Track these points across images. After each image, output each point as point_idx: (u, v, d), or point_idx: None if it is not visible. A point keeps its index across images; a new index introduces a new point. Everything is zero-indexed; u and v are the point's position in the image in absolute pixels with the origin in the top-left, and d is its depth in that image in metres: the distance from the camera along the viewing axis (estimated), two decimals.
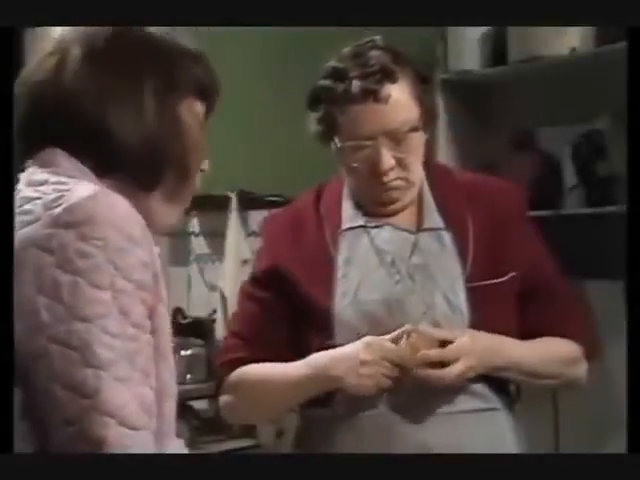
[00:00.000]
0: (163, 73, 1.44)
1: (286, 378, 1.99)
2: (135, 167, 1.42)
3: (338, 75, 1.98)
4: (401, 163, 1.98)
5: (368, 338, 1.92)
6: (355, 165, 1.99)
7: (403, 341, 1.91)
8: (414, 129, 1.98)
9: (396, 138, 1.97)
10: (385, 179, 1.99)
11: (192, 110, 1.48)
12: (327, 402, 1.99)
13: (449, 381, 1.91)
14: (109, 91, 1.40)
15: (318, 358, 1.95)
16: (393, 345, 1.90)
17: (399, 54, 2.00)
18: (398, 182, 2.01)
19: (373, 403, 1.96)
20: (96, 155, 1.41)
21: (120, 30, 1.44)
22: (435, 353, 1.90)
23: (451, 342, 1.91)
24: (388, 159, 1.97)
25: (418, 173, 2.04)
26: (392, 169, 1.98)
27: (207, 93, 1.50)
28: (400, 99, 1.96)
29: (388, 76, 1.95)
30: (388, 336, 1.92)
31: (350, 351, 1.91)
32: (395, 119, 1.96)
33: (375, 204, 2.05)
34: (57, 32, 1.47)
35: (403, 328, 1.91)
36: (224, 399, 2.10)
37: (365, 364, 1.89)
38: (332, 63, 2.01)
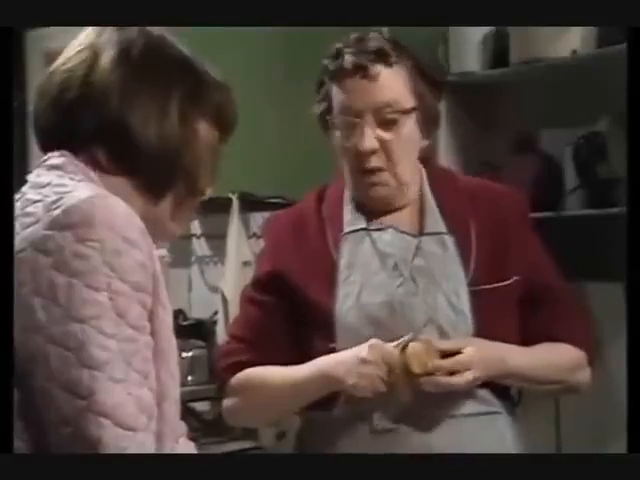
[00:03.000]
0: (190, 90, 1.47)
1: (290, 381, 1.99)
2: (150, 170, 1.44)
3: (336, 53, 2.02)
4: (386, 148, 1.98)
5: (373, 340, 1.91)
6: (346, 145, 2.00)
7: (402, 344, 1.89)
8: (404, 112, 1.98)
9: (383, 119, 1.97)
10: (367, 164, 1.98)
11: (207, 132, 1.51)
12: (329, 405, 1.99)
13: (457, 388, 1.91)
14: (137, 93, 1.43)
15: (321, 360, 1.95)
16: (396, 350, 1.90)
17: (403, 46, 2.01)
18: (384, 176, 2.00)
19: (374, 406, 1.95)
20: (114, 152, 1.43)
21: (158, 42, 1.48)
22: (447, 363, 1.89)
23: (454, 352, 1.90)
24: (370, 139, 1.97)
25: (409, 173, 2.03)
26: (374, 152, 1.98)
27: (224, 123, 1.53)
28: (391, 81, 1.98)
29: (382, 58, 1.98)
30: (393, 343, 1.91)
31: (353, 352, 1.91)
32: (382, 96, 1.97)
33: (365, 200, 2.04)
34: (89, 31, 1.49)
35: (406, 337, 1.91)
36: (227, 403, 2.10)
37: (365, 363, 1.88)
38: (336, 45, 2.04)
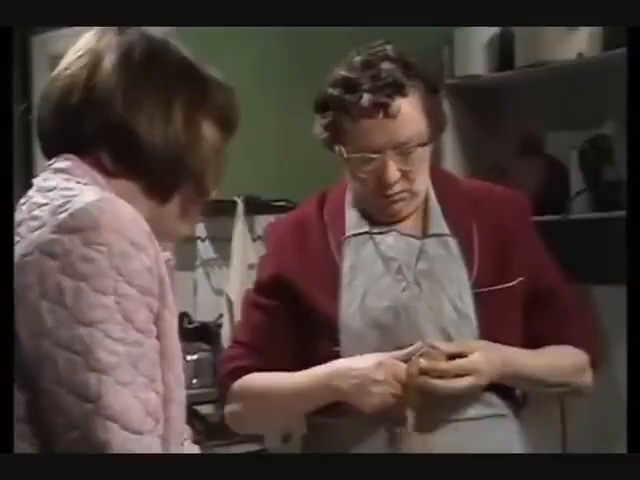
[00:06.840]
0: (193, 92, 1.48)
1: (293, 388, 1.99)
2: (155, 172, 1.45)
3: (348, 86, 1.96)
4: (406, 176, 1.98)
5: (380, 356, 1.91)
6: (362, 176, 1.99)
7: (414, 359, 1.88)
8: (422, 144, 1.97)
9: (403, 152, 1.96)
10: (390, 192, 1.98)
11: (211, 132, 1.51)
12: (334, 410, 1.98)
13: (456, 392, 1.90)
14: (139, 96, 1.43)
15: (327, 370, 1.95)
16: (404, 365, 1.88)
17: (411, 66, 1.97)
18: (402, 194, 2.00)
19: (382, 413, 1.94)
20: (119, 155, 1.43)
21: (159, 45, 1.48)
22: (445, 366, 1.88)
23: (462, 355, 1.90)
24: (394, 172, 1.96)
25: (422, 183, 2.03)
26: (397, 182, 1.97)
27: (227, 123, 1.53)
28: (410, 113, 1.95)
29: (399, 90, 1.94)
30: (400, 352, 1.91)
31: (362, 368, 1.90)
32: (404, 134, 1.95)
33: (379, 214, 2.05)
34: (90, 35, 1.49)
35: (415, 345, 1.90)
36: (230, 408, 2.09)
37: (376, 383, 1.88)
38: (342, 72, 1.98)
